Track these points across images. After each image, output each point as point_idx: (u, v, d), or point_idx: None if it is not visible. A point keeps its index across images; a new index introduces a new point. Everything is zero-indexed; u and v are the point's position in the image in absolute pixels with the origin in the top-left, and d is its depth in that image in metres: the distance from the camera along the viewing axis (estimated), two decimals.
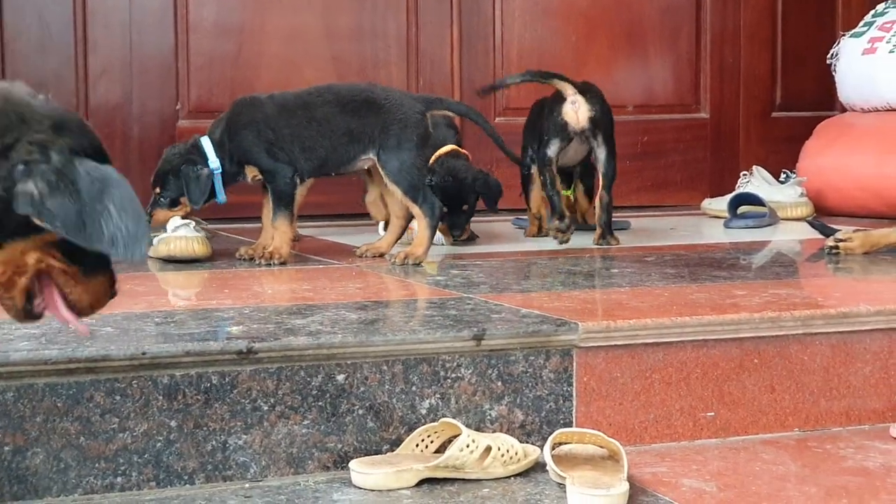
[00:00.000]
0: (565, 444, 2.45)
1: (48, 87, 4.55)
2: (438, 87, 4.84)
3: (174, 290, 3.17)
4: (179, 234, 3.43)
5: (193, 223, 3.49)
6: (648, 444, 2.57)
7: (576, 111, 3.84)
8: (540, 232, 4.18)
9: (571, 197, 4.23)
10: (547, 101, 3.99)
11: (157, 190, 3.48)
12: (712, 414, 2.62)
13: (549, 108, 3.95)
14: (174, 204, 3.48)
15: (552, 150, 3.89)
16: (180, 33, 4.70)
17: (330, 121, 3.46)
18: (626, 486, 2.23)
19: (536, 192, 4.13)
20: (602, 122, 3.87)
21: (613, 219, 3.95)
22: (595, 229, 3.93)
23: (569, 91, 3.85)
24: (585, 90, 3.87)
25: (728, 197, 4.61)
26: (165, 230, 3.47)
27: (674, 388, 2.60)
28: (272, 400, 2.36)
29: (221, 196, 3.45)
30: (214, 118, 3.57)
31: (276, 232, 3.45)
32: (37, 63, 4.55)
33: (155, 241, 3.51)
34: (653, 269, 3.35)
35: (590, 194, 4.23)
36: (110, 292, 1.84)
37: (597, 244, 3.88)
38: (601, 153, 3.88)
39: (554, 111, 3.89)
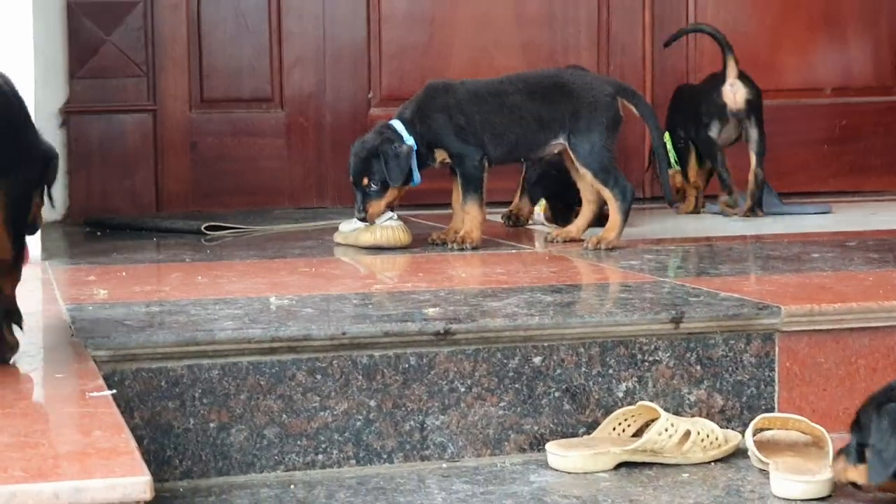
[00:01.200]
0: (767, 429, 2.39)
1: (244, 75, 4.66)
2: (629, 72, 4.78)
3: (369, 274, 3.20)
4: (385, 223, 3.44)
5: (393, 213, 3.49)
6: None
7: (734, 93, 4.12)
8: (695, 209, 4.37)
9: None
10: (697, 85, 4.33)
11: (365, 181, 3.43)
12: None
13: (705, 90, 4.22)
14: (385, 188, 3.42)
15: (714, 131, 4.16)
16: (373, 23, 4.74)
17: (520, 108, 3.46)
18: (831, 473, 2.16)
19: (692, 170, 4.36)
20: (755, 104, 4.14)
21: (812, 203, 3.89)
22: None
23: (731, 73, 4.11)
24: (742, 75, 4.13)
25: None
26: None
27: (880, 374, 2.51)
28: (469, 381, 2.37)
29: (417, 176, 3.45)
30: None
31: (466, 216, 3.46)
32: (233, 52, 4.64)
33: (348, 228, 3.53)
34: (855, 253, 3.25)
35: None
36: None
37: (744, 216, 4.11)
38: (753, 133, 4.14)
39: (713, 93, 4.16)
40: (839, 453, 2.16)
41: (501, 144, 3.46)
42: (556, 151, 3.51)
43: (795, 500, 2.14)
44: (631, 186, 3.43)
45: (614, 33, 4.84)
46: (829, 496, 2.15)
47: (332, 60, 4.71)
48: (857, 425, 2.11)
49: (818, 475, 2.16)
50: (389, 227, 3.45)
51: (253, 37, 4.65)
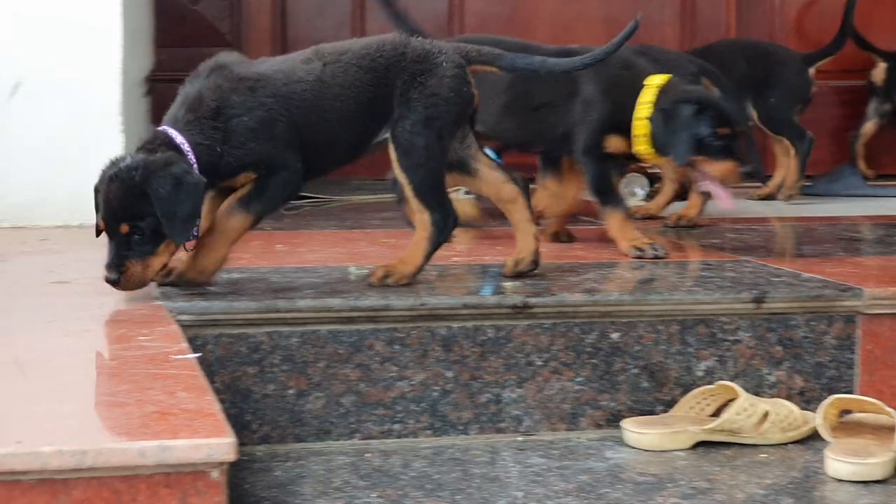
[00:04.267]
0: (855, 412, 2.37)
1: None
2: None
3: (447, 246, 3.19)
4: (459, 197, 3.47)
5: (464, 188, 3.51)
6: None
7: None
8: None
9: None
10: None
11: None
12: None
13: None
14: None
15: None
16: None
17: None
18: (888, 457, 2.13)
19: None
20: None
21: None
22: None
23: None
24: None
25: None
26: None
27: None
28: (546, 355, 2.37)
29: None
30: None
31: (545, 192, 3.44)
32: (315, 24, 4.66)
33: None
34: None
35: None
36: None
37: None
38: None
39: None
40: None
41: None
42: None
43: (846, 480, 2.11)
44: None
45: (699, 9, 4.79)
46: (885, 480, 2.11)
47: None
48: None
49: (871, 458, 2.12)
50: (457, 202, 3.46)
51: (337, 8, 4.66)
